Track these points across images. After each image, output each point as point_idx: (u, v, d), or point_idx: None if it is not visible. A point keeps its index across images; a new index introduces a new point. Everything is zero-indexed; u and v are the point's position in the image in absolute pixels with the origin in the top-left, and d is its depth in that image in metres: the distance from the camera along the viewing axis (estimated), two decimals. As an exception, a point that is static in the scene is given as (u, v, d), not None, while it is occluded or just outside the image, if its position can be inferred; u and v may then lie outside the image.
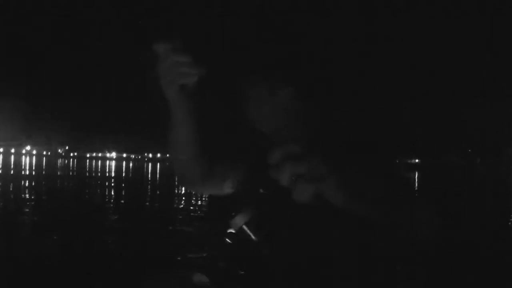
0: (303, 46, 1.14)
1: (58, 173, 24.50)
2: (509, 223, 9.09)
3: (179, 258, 4.60)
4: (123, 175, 26.75)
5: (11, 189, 12.92)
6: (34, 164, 38.43)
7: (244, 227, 0.84)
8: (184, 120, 1.07)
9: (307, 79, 1.08)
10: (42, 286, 3.54)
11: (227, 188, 1.18)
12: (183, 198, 11.32)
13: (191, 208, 9.36)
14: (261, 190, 0.92)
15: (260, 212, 0.86)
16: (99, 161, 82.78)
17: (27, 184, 15.19)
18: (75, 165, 43.42)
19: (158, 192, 15.28)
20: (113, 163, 72.92)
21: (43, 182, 16.40)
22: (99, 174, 25.68)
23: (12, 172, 22.58)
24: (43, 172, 24.85)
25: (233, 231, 0.86)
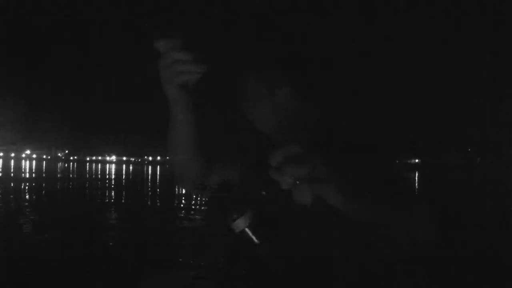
0: (303, 46, 1.14)
1: (58, 176, 24.48)
2: (509, 223, 9.08)
3: (179, 259, 4.60)
4: (123, 177, 26.69)
5: (11, 189, 12.90)
6: (34, 168, 38.37)
7: (247, 230, 0.83)
8: (184, 119, 1.06)
9: (307, 79, 1.08)
10: (42, 286, 3.54)
11: (227, 188, 1.17)
12: (183, 198, 11.31)
13: (191, 208, 9.35)
14: (263, 193, 0.91)
15: (260, 212, 0.85)
16: (99, 164, 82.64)
17: (27, 186, 15.17)
18: (75, 168, 43.36)
19: (158, 192, 15.26)
20: (113, 166, 72.78)
21: (43, 184, 16.38)
22: (99, 176, 25.64)
23: (12, 175, 22.55)
24: (43, 175, 24.82)
25: (234, 232, 0.85)
